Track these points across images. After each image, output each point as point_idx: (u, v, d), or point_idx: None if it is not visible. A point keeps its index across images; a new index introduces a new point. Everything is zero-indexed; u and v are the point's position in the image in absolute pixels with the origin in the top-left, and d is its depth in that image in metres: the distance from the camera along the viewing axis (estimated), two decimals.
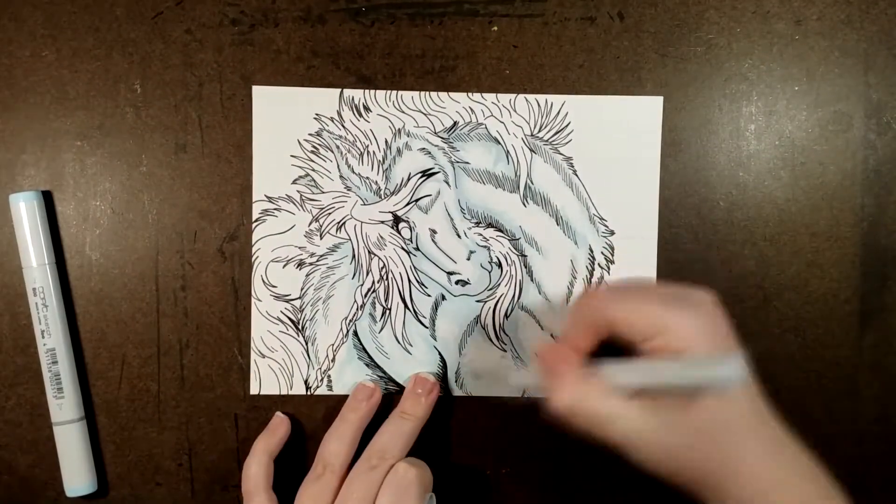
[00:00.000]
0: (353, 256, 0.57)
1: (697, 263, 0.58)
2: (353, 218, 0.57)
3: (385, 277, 0.57)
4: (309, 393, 0.58)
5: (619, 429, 0.46)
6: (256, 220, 0.57)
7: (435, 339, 0.58)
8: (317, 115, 0.57)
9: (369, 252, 0.57)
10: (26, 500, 0.58)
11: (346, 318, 0.58)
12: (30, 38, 0.56)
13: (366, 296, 0.58)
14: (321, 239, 0.57)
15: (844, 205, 0.58)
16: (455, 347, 0.58)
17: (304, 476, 0.54)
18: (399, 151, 0.57)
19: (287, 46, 0.57)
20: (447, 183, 0.57)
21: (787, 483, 0.45)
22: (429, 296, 0.58)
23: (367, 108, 0.57)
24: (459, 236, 0.57)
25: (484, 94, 0.57)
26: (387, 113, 0.57)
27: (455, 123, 0.57)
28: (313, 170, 0.57)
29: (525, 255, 0.57)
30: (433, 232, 0.57)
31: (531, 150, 0.57)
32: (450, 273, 0.58)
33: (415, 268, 0.57)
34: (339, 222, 0.57)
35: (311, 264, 0.57)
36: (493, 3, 0.57)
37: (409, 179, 0.57)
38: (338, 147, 0.57)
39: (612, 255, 0.57)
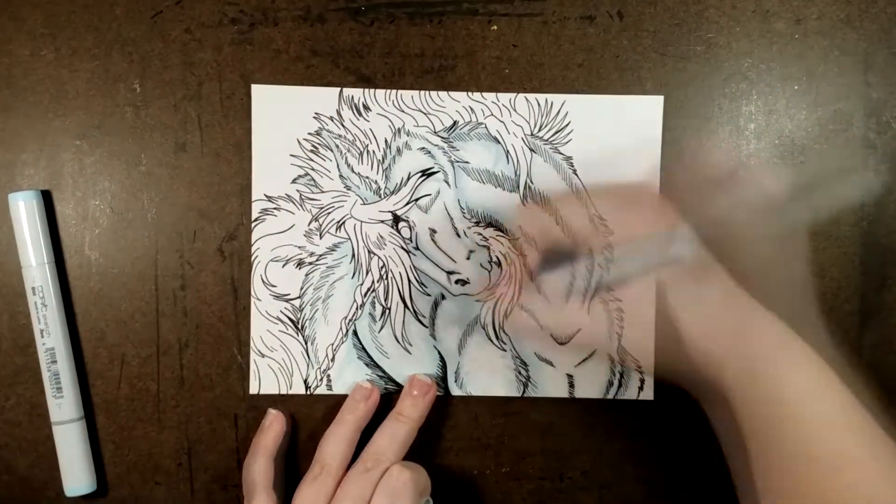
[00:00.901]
0: (353, 256, 0.57)
1: (696, 263, 0.58)
2: (352, 217, 0.57)
3: (385, 277, 0.57)
4: (308, 393, 0.58)
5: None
6: (256, 220, 0.57)
7: (435, 339, 0.58)
8: (316, 114, 0.57)
9: (369, 251, 0.57)
10: (26, 499, 0.58)
11: (345, 318, 0.58)
12: (29, 38, 0.56)
13: (365, 295, 0.58)
14: (321, 238, 0.57)
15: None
16: (455, 347, 0.58)
17: (304, 476, 0.54)
18: (399, 151, 0.57)
19: (286, 46, 0.57)
20: (447, 182, 0.57)
21: (754, 372, 0.46)
22: (428, 295, 0.58)
23: (366, 108, 0.57)
24: (459, 236, 0.57)
25: (484, 94, 0.57)
26: (386, 112, 0.57)
27: (455, 123, 0.57)
28: (313, 169, 0.57)
29: (525, 255, 0.57)
30: (433, 231, 0.57)
31: (531, 150, 0.57)
32: (449, 272, 0.58)
33: (414, 267, 0.57)
34: (338, 222, 0.57)
35: (310, 264, 0.57)
36: (493, 2, 0.57)
37: (408, 179, 0.57)
38: (337, 146, 0.57)
39: (612, 255, 0.57)
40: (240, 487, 0.58)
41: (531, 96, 0.57)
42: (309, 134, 0.57)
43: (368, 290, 0.58)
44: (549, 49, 0.57)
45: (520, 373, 0.58)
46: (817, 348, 0.46)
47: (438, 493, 0.56)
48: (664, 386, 0.58)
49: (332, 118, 0.57)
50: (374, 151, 0.57)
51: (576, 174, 0.57)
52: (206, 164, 0.57)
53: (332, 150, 0.57)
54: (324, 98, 0.57)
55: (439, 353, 0.58)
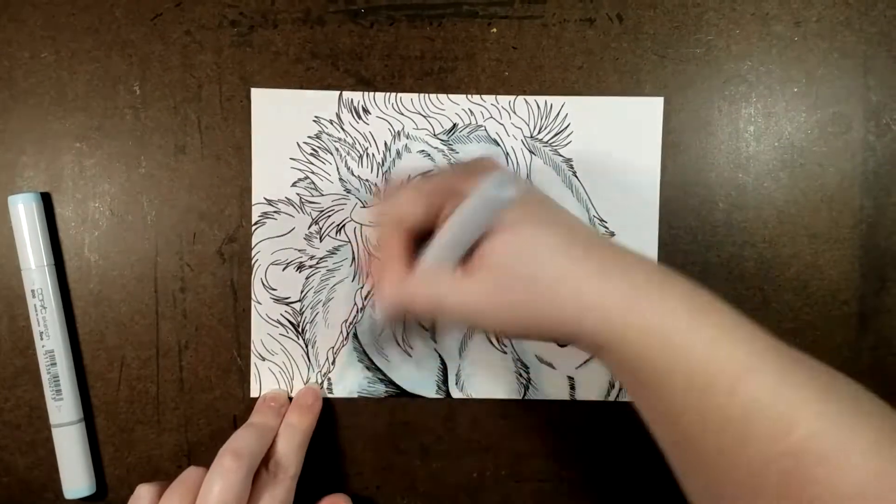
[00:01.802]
0: (353, 259, 0.57)
1: (696, 265, 0.58)
2: (352, 220, 0.57)
3: None
4: None
5: (450, 304, 0.44)
6: (256, 223, 0.57)
7: (435, 342, 0.58)
8: (316, 117, 0.57)
9: (369, 255, 0.57)
10: (25, 501, 0.58)
11: (345, 321, 0.58)
12: (29, 40, 0.56)
13: (366, 298, 0.58)
14: (321, 241, 0.57)
15: (843, 206, 0.58)
16: (455, 350, 0.58)
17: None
18: (398, 154, 0.57)
19: (286, 48, 0.57)
20: None
21: (629, 306, 0.41)
22: None
23: (366, 111, 0.57)
24: None
25: (483, 96, 0.57)
26: (386, 115, 0.57)
27: (454, 125, 0.57)
28: (313, 172, 0.57)
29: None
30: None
31: (531, 152, 0.57)
32: None
33: None
34: (338, 225, 0.57)
35: (310, 267, 0.57)
36: (493, 4, 0.57)
37: (408, 182, 0.57)
38: (337, 149, 0.57)
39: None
40: None
41: (531, 98, 0.57)
42: (309, 137, 0.57)
43: (369, 293, 0.58)
44: (549, 51, 0.57)
45: (520, 375, 0.58)
46: None
47: (439, 494, 0.56)
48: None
49: (331, 121, 0.57)
50: (373, 154, 0.57)
51: (576, 176, 0.57)
52: (206, 166, 0.57)
53: (331, 154, 0.57)
54: (323, 101, 0.57)
55: (440, 355, 0.58)
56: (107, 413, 0.58)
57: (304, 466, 0.55)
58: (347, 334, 0.58)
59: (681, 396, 0.40)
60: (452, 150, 0.57)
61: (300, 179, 0.57)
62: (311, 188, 0.57)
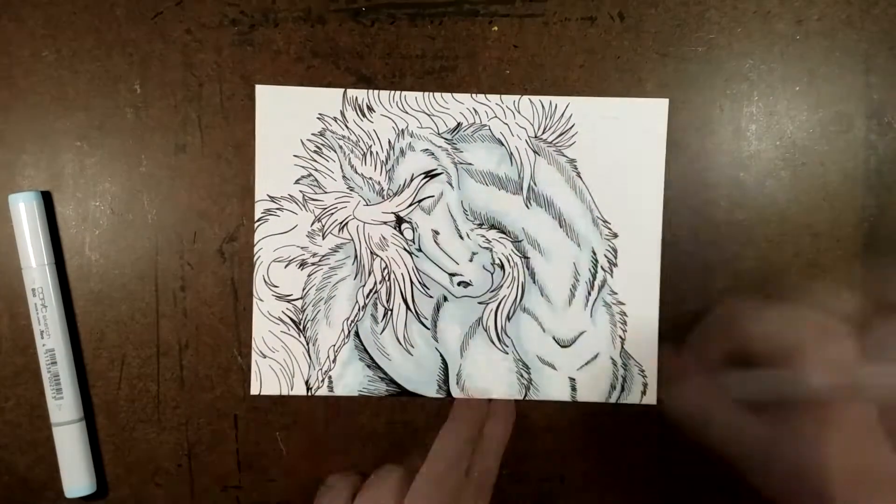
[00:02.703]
0: (356, 257, 0.57)
1: (698, 264, 0.58)
2: (355, 218, 0.57)
3: (387, 278, 0.57)
4: (310, 394, 0.58)
5: (741, 444, 0.44)
6: (259, 220, 0.57)
7: (436, 341, 0.58)
8: (320, 114, 0.57)
9: (371, 253, 0.57)
10: (25, 500, 0.58)
11: (347, 319, 0.58)
12: (29, 38, 0.56)
13: (367, 296, 0.58)
14: (323, 239, 0.57)
15: (846, 205, 0.57)
16: (456, 349, 0.58)
17: (314, 479, 0.55)
18: (402, 152, 0.57)
19: (287, 47, 0.57)
20: (450, 184, 0.57)
21: None
22: (431, 297, 0.58)
23: (370, 109, 0.57)
24: (462, 238, 0.57)
25: (488, 96, 0.57)
26: (390, 113, 0.57)
27: (459, 124, 0.57)
28: (316, 170, 0.57)
29: (528, 258, 0.57)
30: (436, 233, 0.57)
31: (535, 152, 0.57)
32: (452, 274, 0.57)
33: (417, 269, 0.57)
34: (341, 223, 0.57)
35: (313, 264, 0.57)
36: (494, 3, 0.57)
37: (411, 180, 0.57)
38: (341, 147, 0.57)
39: (616, 258, 0.57)
40: (240, 489, 0.58)
41: (535, 98, 0.57)
42: (312, 134, 0.57)
43: (371, 291, 0.57)
44: (550, 50, 0.57)
45: (521, 375, 0.58)
46: None
47: None
48: (667, 390, 0.58)
49: (335, 119, 0.57)
50: (377, 152, 0.57)
51: (579, 177, 0.57)
52: (207, 165, 0.57)
53: (335, 151, 0.57)
54: (327, 99, 0.57)
55: (441, 354, 0.58)
56: (107, 412, 0.58)
57: (302, 464, 0.55)
58: (349, 332, 0.58)
59: None
60: (456, 148, 0.57)
61: (303, 177, 0.57)
62: (315, 185, 0.57)
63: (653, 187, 0.57)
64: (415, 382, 0.58)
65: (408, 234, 0.57)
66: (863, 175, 0.57)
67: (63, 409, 0.56)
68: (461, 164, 0.57)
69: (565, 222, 0.57)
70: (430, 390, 0.58)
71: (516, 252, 0.57)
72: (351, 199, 0.57)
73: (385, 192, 0.57)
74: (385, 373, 0.58)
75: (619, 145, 0.57)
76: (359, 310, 0.58)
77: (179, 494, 0.58)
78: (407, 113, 0.57)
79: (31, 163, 0.56)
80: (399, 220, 0.57)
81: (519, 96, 0.57)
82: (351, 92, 0.57)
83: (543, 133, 0.57)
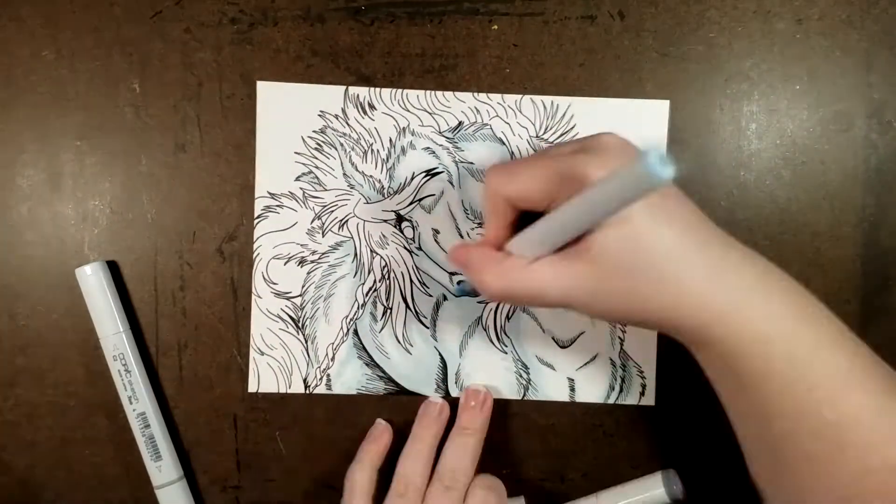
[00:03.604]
0: (355, 255, 0.57)
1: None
2: (355, 216, 0.57)
3: (387, 277, 0.57)
4: (308, 392, 0.58)
5: (552, 296, 0.43)
6: (259, 217, 0.57)
7: (435, 340, 0.58)
8: (321, 112, 0.57)
9: (371, 251, 0.57)
10: (25, 501, 0.58)
11: (346, 317, 0.57)
12: (29, 38, 0.56)
13: (367, 295, 0.57)
14: (323, 237, 0.57)
15: (846, 204, 0.57)
16: (456, 348, 0.58)
17: (388, 493, 0.55)
18: (403, 150, 0.57)
19: (286, 45, 0.57)
20: (451, 183, 0.57)
21: (737, 307, 0.41)
22: (430, 296, 0.58)
23: (371, 106, 0.57)
24: (462, 237, 0.57)
25: (489, 95, 0.57)
26: (392, 111, 0.57)
27: (460, 123, 0.57)
28: (317, 167, 0.57)
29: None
30: (436, 232, 0.57)
31: (536, 152, 0.57)
32: (452, 273, 0.57)
33: (417, 267, 0.57)
34: (341, 220, 0.57)
35: (312, 262, 0.57)
36: (494, 1, 0.57)
37: (412, 179, 0.57)
38: (342, 144, 0.57)
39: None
40: (239, 489, 0.58)
41: (537, 98, 0.57)
42: (313, 131, 0.57)
43: (370, 289, 0.57)
44: (550, 49, 0.57)
45: (520, 375, 0.58)
46: None
47: None
48: (666, 391, 0.58)
49: (337, 116, 0.57)
50: (378, 150, 0.57)
51: None
52: (206, 164, 0.57)
53: (336, 149, 0.57)
54: (329, 96, 0.57)
55: (440, 353, 0.58)
56: (107, 412, 0.57)
57: (301, 463, 0.55)
58: (347, 330, 0.57)
59: (777, 399, 0.41)
60: (458, 147, 0.57)
61: (304, 174, 0.57)
62: (315, 183, 0.57)
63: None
64: (413, 381, 0.58)
65: (408, 232, 0.57)
66: (863, 174, 0.57)
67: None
68: (462, 162, 0.57)
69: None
70: (429, 389, 0.58)
71: None
72: (351, 196, 0.57)
73: (385, 190, 0.57)
74: (384, 371, 0.58)
75: None
76: (358, 308, 0.57)
77: None
78: (408, 111, 0.57)
79: (30, 162, 0.56)
80: (399, 219, 0.57)
81: (520, 96, 0.57)
82: (352, 89, 0.57)
83: (545, 133, 0.57)
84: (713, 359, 0.43)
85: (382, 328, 0.58)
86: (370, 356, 0.58)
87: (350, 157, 0.57)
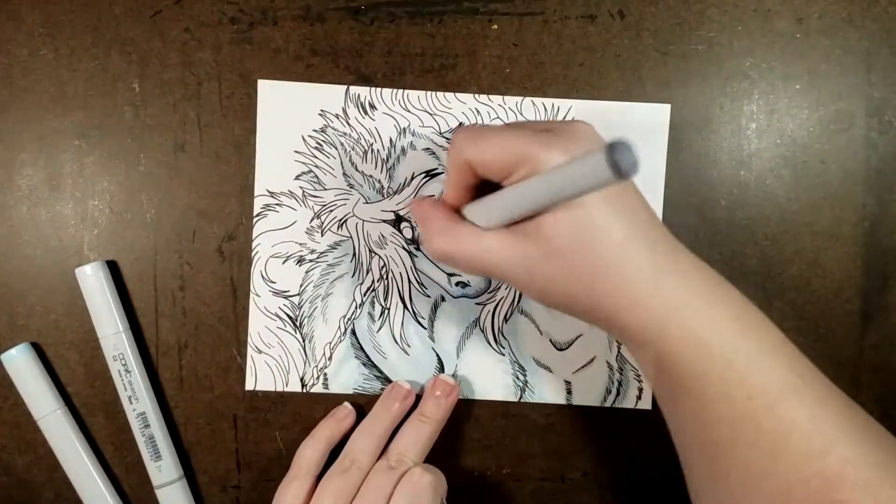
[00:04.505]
0: (354, 255, 0.57)
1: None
2: (354, 216, 0.57)
3: (385, 277, 0.57)
4: (305, 391, 0.58)
5: (494, 268, 0.43)
6: (258, 215, 0.57)
7: (433, 341, 0.58)
8: (322, 111, 0.57)
9: (370, 251, 0.57)
10: (24, 501, 0.58)
11: (344, 317, 0.57)
12: (28, 37, 0.56)
13: (365, 294, 0.57)
14: (322, 236, 0.57)
15: (846, 204, 0.57)
16: (453, 349, 0.58)
17: (332, 466, 0.54)
18: (403, 150, 0.57)
19: (286, 45, 0.56)
20: None
21: (678, 309, 0.41)
22: (428, 297, 0.58)
23: (372, 106, 0.57)
24: None
25: (490, 97, 0.57)
26: (392, 111, 0.57)
27: (461, 124, 0.57)
28: (316, 166, 0.57)
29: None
30: None
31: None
32: (450, 274, 0.57)
33: (415, 268, 0.57)
34: (340, 220, 0.57)
35: (311, 261, 0.57)
36: (493, 1, 0.57)
37: (412, 179, 0.57)
38: (342, 144, 0.57)
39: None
40: (239, 489, 0.58)
41: (538, 100, 0.57)
42: (314, 131, 0.57)
43: (368, 289, 0.57)
44: (550, 48, 0.57)
45: (517, 377, 0.58)
46: None
47: None
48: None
49: (337, 116, 0.57)
50: (378, 150, 0.57)
51: None
52: (206, 164, 0.57)
53: (336, 148, 0.57)
54: (330, 95, 0.57)
55: (437, 354, 0.58)
56: (106, 412, 0.57)
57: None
58: (345, 330, 0.57)
59: (714, 405, 0.41)
60: None
61: (304, 173, 0.57)
62: (315, 182, 0.57)
63: (654, 190, 0.57)
64: (410, 382, 0.58)
65: (407, 233, 0.57)
66: (863, 173, 0.57)
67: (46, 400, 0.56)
68: None
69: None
70: None
71: None
72: (351, 196, 0.57)
73: (385, 191, 0.57)
74: (380, 371, 0.58)
75: None
76: (356, 308, 0.57)
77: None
78: (409, 111, 0.57)
79: (29, 162, 0.56)
80: (398, 219, 0.57)
81: (521, 98, 0.57)
82: (353, 89, 0.57)
83: None
84: (649, 360, 0.43)
85: (380, 328, 0.58)
86: (367, 356, 0.58)
87: (350, 156, 0.57)
